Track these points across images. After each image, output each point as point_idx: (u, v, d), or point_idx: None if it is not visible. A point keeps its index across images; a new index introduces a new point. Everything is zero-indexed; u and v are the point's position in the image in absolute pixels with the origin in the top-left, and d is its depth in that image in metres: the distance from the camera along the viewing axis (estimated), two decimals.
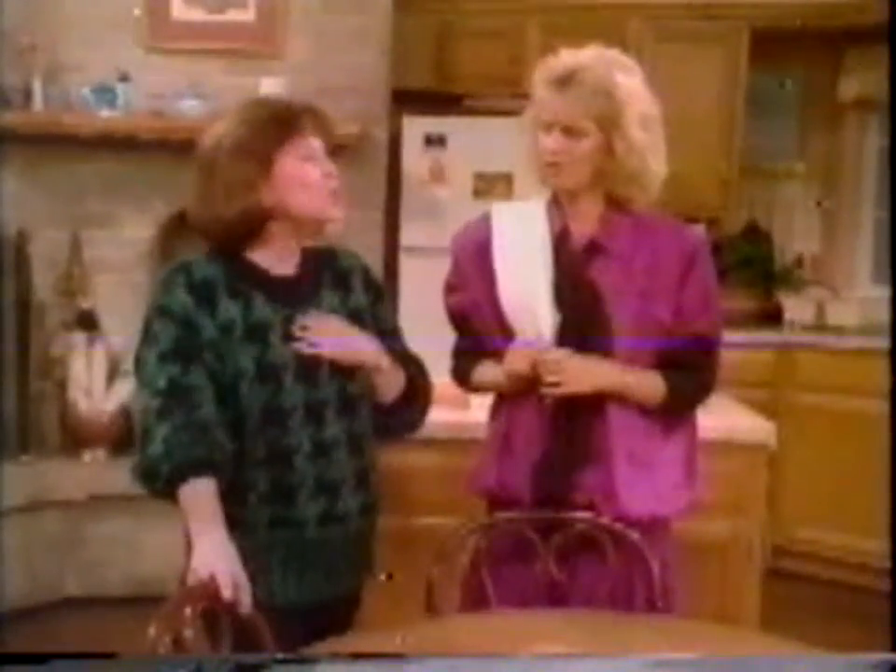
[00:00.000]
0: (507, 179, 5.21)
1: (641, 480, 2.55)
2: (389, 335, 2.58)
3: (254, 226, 2.39)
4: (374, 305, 2.57)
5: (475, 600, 2.59)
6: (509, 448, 2.62)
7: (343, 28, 5.19)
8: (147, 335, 2.37)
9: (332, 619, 2.42)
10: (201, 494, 2.25)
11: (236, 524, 2.31)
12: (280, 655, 2.01)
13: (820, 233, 6.24)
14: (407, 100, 5.51)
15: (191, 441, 2.25)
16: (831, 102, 6.04)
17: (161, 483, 2.26)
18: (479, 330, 2.67)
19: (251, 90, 5.00)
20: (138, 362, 2.38)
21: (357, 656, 1.94)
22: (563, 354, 2.50)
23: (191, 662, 1.92)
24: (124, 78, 4.86)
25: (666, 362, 2.56)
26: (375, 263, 5.32)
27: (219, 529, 2.25)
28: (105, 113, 4.85)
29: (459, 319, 2.72)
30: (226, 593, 2.16)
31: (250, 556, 2.29)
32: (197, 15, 5.10)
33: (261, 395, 2.35)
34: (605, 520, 2.53)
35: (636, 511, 2.54)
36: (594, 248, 2.57)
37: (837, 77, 5.98)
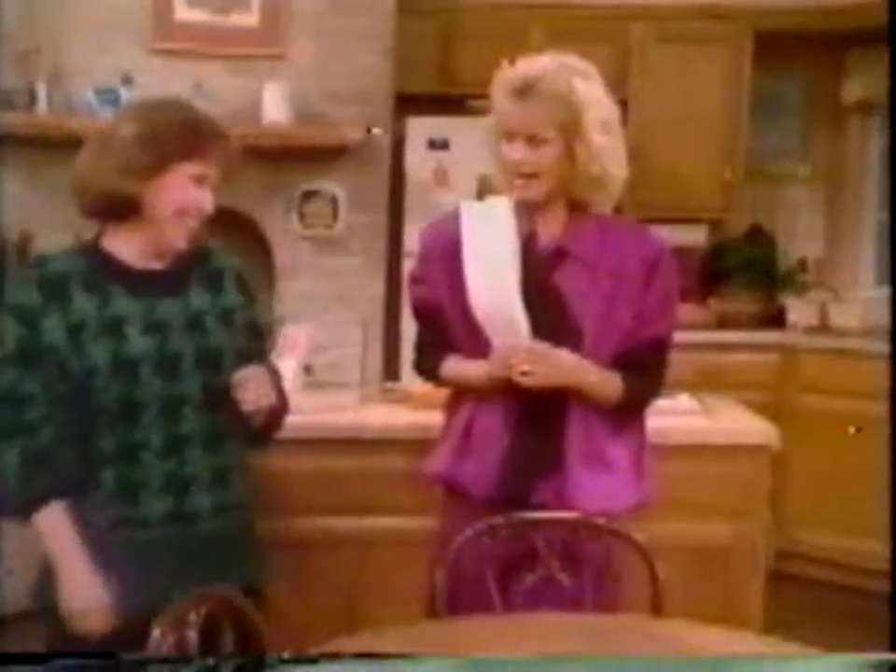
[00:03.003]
0: None
1: (594, 479, 2.58)
2: (261, 338, 2.57)
3: (117, 210, 2.36)
4: (247, 307, 2.53)
5: (478, 603, 2.57)
6: (468, 443, 2.65)
7: (346, 31, 5.18)
8: None
9: None
10: (54, 519, 2.31)
11: (80, 524, 2.33)
12: (287, 655, 1.98)
13: (824, 235, 6.24)
14: (410, 103, 5.52)
15: (38, 471, 2.29)
16: (834, 104, 6.04)
17: (12, 513, 2.34)
18: (442, 326, 2.70)
19: (255, 92, 5.03)
20: None
21: (360, 656, 1.94)
22: (540, 346, 2.52)
23: (190, 662, 1.94)
24: (127, 81, 4.86)
25: (621, 362, 2.59)
26: (378, 266, 5.35)
27: (82, 556, 2.30)
28: (109, 115, 4.86)
29: (423, 313, 2.75)
30: (95, 629, 2.27)
31: (93, 557, 2.31)
32: (200, 17, 5.10)
33: (116, 389, 2.31)
34: (602, 521, 2.55)
35: (587, 508, 2.56)
36: (560, 254, 2.60)
37: (841, 79, 5.98)
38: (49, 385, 2.31)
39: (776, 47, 5.69)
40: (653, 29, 5.69)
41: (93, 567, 2.30)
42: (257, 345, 2.50)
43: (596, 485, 2.58)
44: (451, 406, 2.76)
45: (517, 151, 2.53)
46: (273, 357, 3.49)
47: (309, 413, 3.44)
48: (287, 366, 3.45)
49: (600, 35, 5.48)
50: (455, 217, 2.64)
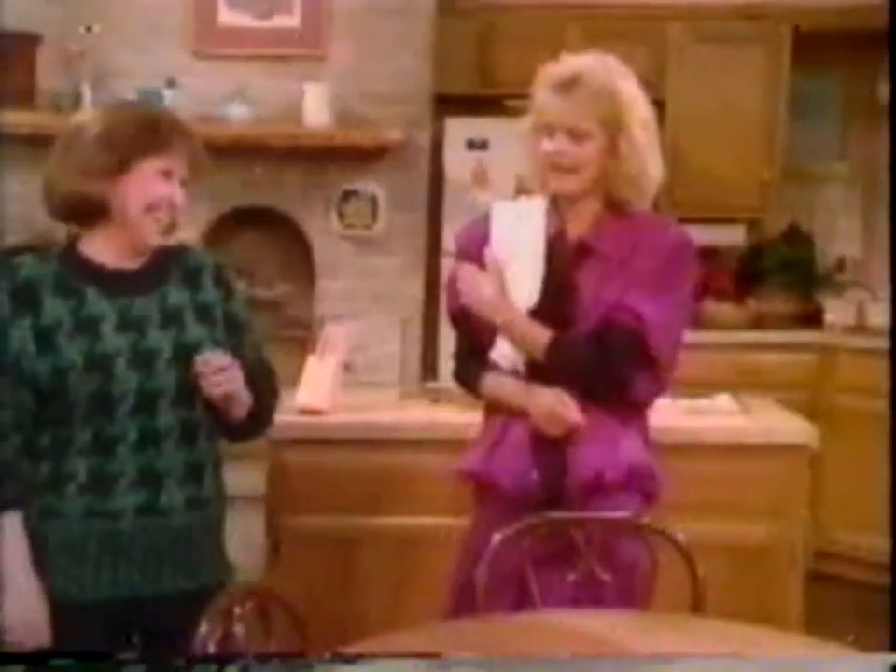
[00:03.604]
0: None
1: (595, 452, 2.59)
2: (241, 331, 2.54)
3: (84, 212, 2.37)
4: (226, 301, 2.52)
5: (520, 601, 2.59)
6: (501, 445, 2.65)
7: (386, 32, 5.23)
8: None
9: (160, 619, 2.35)
10: (10, 528, 2.31)
11: (53, 514, 2.34)
12: (328, 655, 1.97)
13: (862, 235, 6.22)
14: (449, 103, 5.55)
15: (4, 482, 2.30)
16: (872, 103, 6.01)
17: None
18: (475, 329, 2.69)
19: (296, 93, 5.08)
20: None
21: (402, 655, 1.94)
22: (472, 269, 2.60)
23: (234, 661, 1.94)
24: (171, 83, 4.92)
25: (591, 332, 2.56)
26: (417, 266, 5.38)
27: (29, 573, 2.32)
28: None
29: (458, 318, 2.75)
30: (28, 644, 2.29)
31: (64, 547, 2.34)
32: (243, 21, 5.16)
33: (90, 384, 2.31)
34: (646, 520, 2.56)
35: (586, 474, 2.57)
36: (583, 250, 2.60)
37: (879, 78, 5.95)
38: (15, 393, 2.32)
39: (813, 46, 5.66)
40: (691, 29, 5.68)
41: (42, 580, 2.33)
42: (235, 340, 2.49)
43: (595, 454, 2.59)
44: (489, 411, 2.77)
45: (557, 144, 2.54)
46: (315, 357, 3.53)
47: (349, 411, 3.48)
48: (328, 364, 3.49)
49: (638, 35, 5.48)
50: (487, 218, 2.67)
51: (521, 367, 2.64)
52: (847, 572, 5.27)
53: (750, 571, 3.33)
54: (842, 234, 6.24)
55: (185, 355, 2.38)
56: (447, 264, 5.39)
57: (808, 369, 5.52)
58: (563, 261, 2.60)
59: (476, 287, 2.60)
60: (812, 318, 5.96)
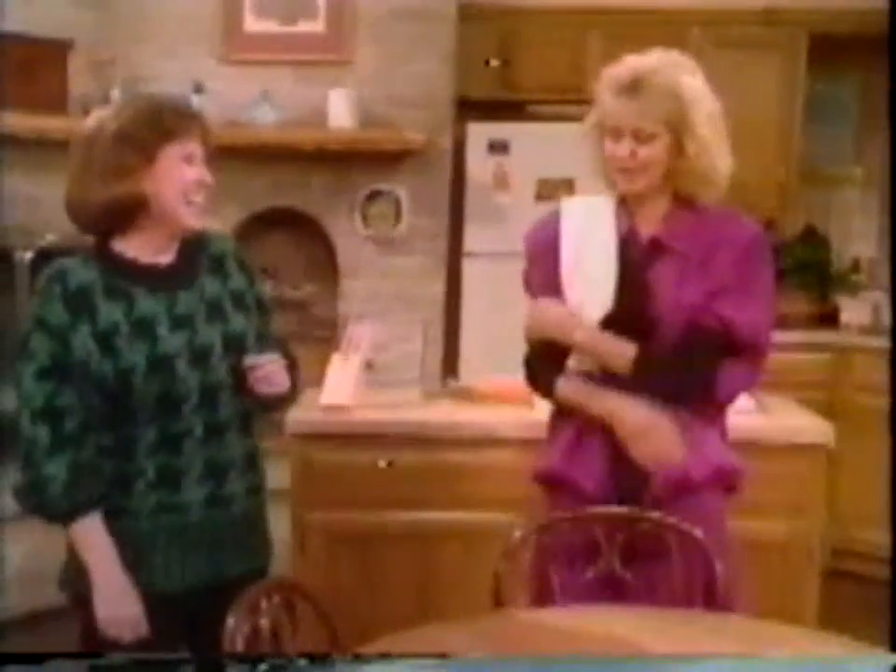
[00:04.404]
0: (569, 185, 5.20)
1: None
2: (267, 313, 2.60)
3: (125, 213, 2.37)
4: (252, 286, 2.57)
5: (541, 596, 2.62)
6: (580, 447, 2.62)
7: (408, 37, 5.28)
8: (25, 349, 2.35)
9: (220, 603, 2.29)
10: (94, 527, 2.36)
11: (122, 512, 2.38)
12: (349, 656, 1.99)
13: (877, 236, 6.26)
14: (471, 107, 5.60)
15: (87, 483, 2.34)
16: (888, 107, 6.05)
17: (57, 518, 2.37)
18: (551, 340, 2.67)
19: (321, 98, 5.14)
20: (17, 375, 2.37)
21: (427, 655, 1.95)
22: (549, 303, 2.61)
23: (262, 660, 1.96)
24: (199, 89, 4.98)
25: (678, 340, 2.54)
26: (439, 267, 5.43)
27: (117, 568, 2.36)
28: None
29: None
30: (126, 637, 2.35)
31: (133, 543, 2.38)
32: (269, 27, 5.23)
33: (155, 385, 2.34)
34: (670, 519, 2.55)
35: (675, 476, 2.56)
36: (655, 247, 2.59)
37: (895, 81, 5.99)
38: (83, 396, 2.35)
39: (830, 50, 5.71)
40: (710, 34, 5.71)
41: (126, 574, 2.37)
42: (263, 322, 2.56)
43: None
44: (560, 412, 2.73)
45: (624, 148, 2.54)
46: (339, 355, 3.59)
47: (374, 409, 3.52)
48: (352, 363, 3.53)
49: (657, 39, 5.37)
50: (556, 216, 2.67)
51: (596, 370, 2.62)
52: (864, 569, 5.30)
53: (768, 569, 3.34)
54: (858, 235, 6.27)
55: (233, 345, 2.45)
56: (469, 267, 5.47)
57: (825, 368, 5.55)
58: (636, 260, 2.60)
59: (542, 312, 2.62)
60: (828, 318, 5.99)
